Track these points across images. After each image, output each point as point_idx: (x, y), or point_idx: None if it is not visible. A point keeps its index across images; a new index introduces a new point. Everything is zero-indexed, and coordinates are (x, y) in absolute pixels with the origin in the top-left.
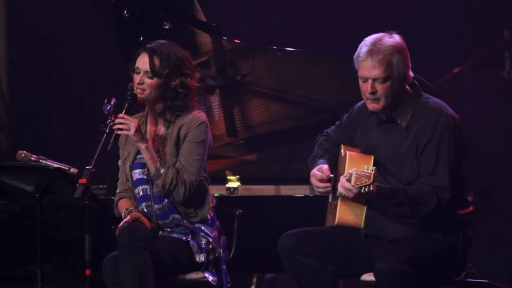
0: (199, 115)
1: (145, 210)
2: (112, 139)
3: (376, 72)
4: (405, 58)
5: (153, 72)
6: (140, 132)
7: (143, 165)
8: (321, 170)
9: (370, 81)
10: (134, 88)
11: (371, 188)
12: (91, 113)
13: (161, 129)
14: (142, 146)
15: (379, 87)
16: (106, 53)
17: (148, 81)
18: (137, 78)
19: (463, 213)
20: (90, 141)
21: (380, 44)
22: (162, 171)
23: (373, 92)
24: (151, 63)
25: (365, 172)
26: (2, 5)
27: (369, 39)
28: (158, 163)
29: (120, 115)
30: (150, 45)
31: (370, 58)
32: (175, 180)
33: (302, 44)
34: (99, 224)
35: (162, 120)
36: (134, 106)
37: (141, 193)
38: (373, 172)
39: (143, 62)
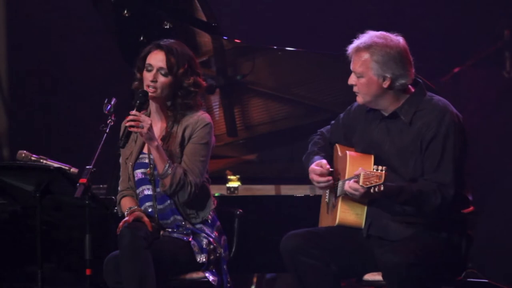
0: (204, 116)
1: (149, 210)
2: (123, 135)
3: None
4: None
5: (170, 70)
6: (152, 130)
7: (145, 165)
8: (320, 164)
9: None
10: (144, 86)
11: (381, 188)
12: (91, 113)
13: (165, 128)
14: (153, 144)
15: None
16: (106, 53)
17: (161, 79)
18: (149, 75)
19: (464, 213)
20: (90, 141)
21: None
22: (169, 171)
23: None
24: (168, 61)
25: (374, 172)
26: (2, 5)
27: None
28: (167, 163)
29: (133, 112)
30: (163, 43)
31: None
32: (182, 181)
33: (302, 44)
34: (99, 224)
35: (167, 119)
36: (146, 104)
37: (145, 193)
38: (384, 172)
39: (156, 59)
